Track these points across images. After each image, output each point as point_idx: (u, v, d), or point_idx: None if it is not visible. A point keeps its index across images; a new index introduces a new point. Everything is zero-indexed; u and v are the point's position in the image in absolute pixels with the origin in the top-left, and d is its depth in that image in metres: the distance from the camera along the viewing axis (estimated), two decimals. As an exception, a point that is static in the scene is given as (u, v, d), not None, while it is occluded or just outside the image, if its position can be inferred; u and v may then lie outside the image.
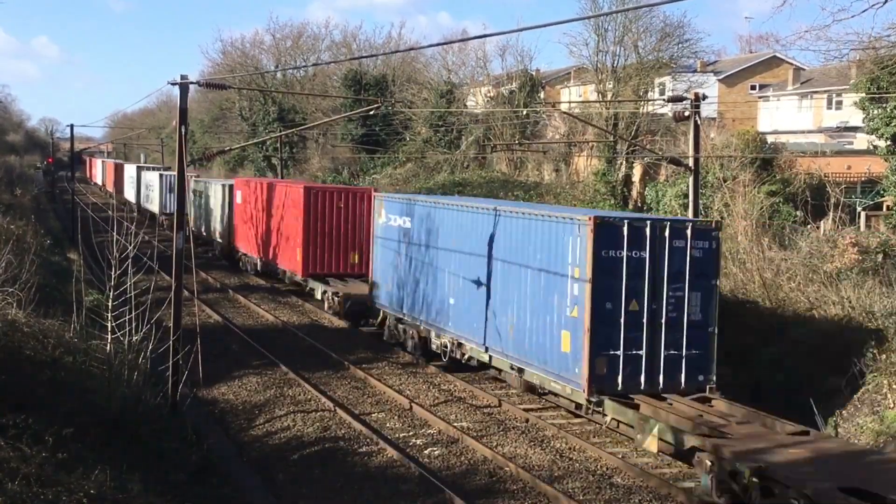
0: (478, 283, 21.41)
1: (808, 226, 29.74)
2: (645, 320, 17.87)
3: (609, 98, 44.88)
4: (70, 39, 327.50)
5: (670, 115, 33.45)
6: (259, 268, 38.90)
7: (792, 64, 62.46)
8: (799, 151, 40.50)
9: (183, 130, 18.80)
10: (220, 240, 44.86)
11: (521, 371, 20.20)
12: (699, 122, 23.37)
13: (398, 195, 28.65)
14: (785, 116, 57.62)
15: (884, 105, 29.69)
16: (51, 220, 57.60)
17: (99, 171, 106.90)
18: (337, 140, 65.80)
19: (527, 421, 19.93)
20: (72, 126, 55.39)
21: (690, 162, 23.62)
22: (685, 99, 25.13)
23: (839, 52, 27.34)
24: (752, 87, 64.17)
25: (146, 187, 63.82)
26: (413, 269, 24.83)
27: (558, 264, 18.47)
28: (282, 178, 55.45)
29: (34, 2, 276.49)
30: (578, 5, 48.40)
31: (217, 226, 45.62)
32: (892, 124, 29.62)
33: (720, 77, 63.75)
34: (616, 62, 46.17)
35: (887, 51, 28.00)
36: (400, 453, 17.57)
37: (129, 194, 72.19)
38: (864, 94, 30.08)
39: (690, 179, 23.80)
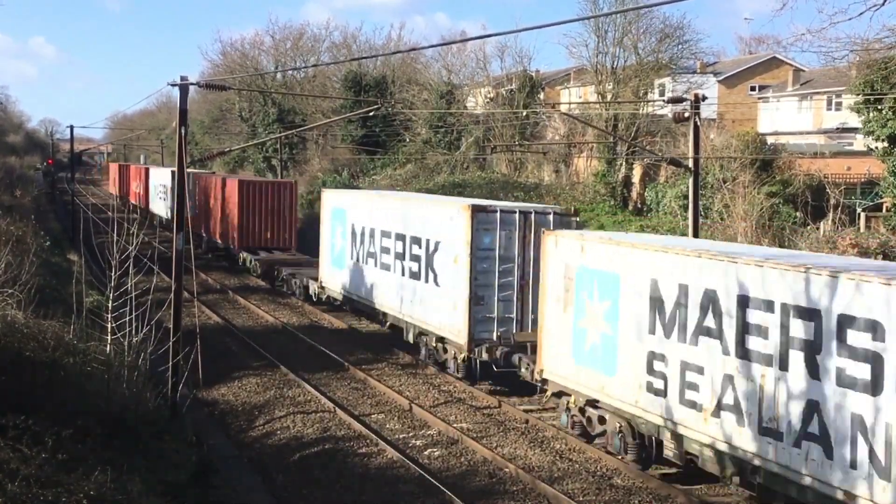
0: None
1: (808, 227, 29.76)
2: None
3: (609, 99, 44.89)
4: (67, 40, 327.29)
5: (670, 116, 33.47)
6: None
7: (792, 65, 62.49)
8: (798, 152, 40.50)
9: (183, 131, 18.82)
10: None
11: None
12: (699, 123, 23.38)
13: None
14: (785, 117, 57.63)
15: (879, 107, 29.71)
16: (51, 221, 57.59)
17: (152, 186, 61.19)
18: (337, 141, 65.80)
19: (526, 422, 19.93)
20: (72, 127, 55.77)
21: (690, 163, 23.62)
22: (685, 100, 25.14)
23: (837, 54, 27.38)
24: (752, 89, 64.18)
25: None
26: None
27: None
28: (281, 178, 55.36)
29: (30, 1, 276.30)
30: (578, 6, 48.46)
31: None
32: (888, 126, 29.64)
33: (720, 78, 63.76)
34: (616, 63, 46.20)
35: (883, 53, 28.03)
36: (400, 454, 17.58)
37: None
38: (860, 97, 30.11)
39: (690, 180, 23.80)
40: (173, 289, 19.24)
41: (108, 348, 18.65)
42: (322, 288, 31.08)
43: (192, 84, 19.53)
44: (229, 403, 21.73)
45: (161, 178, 57.91)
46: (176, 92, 19.10)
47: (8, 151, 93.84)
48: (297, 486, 16.36)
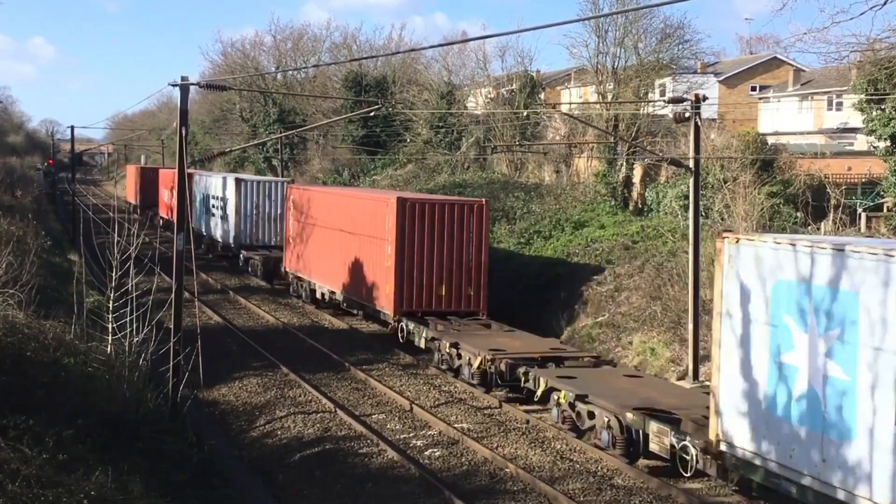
0: None
1: (809, 227, 29.73)
2: None
3: (609, 99, 44.87)
4: (67, 41, 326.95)
5: (671, 116, 33.45)
6: None
7: (792, 65, 62.47)
8: (799, 153, 40.49)
9: (184, 131, 18.82)
10: None
11: None
12: (699, 123, 23.35)
13: None
14: (785, 118, 57.62)
15: (882, 107, 29.71)
16: (52, 222, 57.60)
17: (198, 197, 47.18)
18: (337, 141, 65.81)
19: (527, 422, 19.92)
20: (72, 127, 56.03)
21: (691, 163, 23.60)
22: (685, 100, 25.12)
23: (838, 54, 27.36)
24: (753, 89, 64.17)
25: None
26: None
27: None
28: (281, 176, 55.18)
29: (30, 2, 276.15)
30: (578, 6, 48.40)
31: None
32: (891, 125, 29.65)
33: (720, 78, 63.76)
34: (616, 63, 46.12)
35: (886, 52, 28.02)
36: (400, 454, 17.58)
37: None
38: (862, 96, 30.11)
39: (691, 181, 23.78)
40: (174, 289, 19.24)
41: (108, 349, 18.68)
42: (742, 461, 14.01)
43: (192, 84, 19.53)
44: (230, 403, 21.73)
45: (213, 186, 44.58)
46: (176, 92, 19.09)
47: (9, 152, 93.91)
48: (297, 485, 16.37)
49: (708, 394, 15.36)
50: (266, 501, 15.77)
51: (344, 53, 74.51)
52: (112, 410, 15.25)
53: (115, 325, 18.77)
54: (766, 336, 13.56)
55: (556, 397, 18.77)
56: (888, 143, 30.28)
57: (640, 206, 41.95)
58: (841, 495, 12.18)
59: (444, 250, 25.76)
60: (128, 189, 76.60)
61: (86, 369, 16.81)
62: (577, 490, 15.93)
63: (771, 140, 43.46)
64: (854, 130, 47.72)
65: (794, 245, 13.18)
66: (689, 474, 15.26)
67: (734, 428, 14.11)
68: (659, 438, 15.91)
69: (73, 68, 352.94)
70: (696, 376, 22.05)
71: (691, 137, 23.68)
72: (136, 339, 18.43)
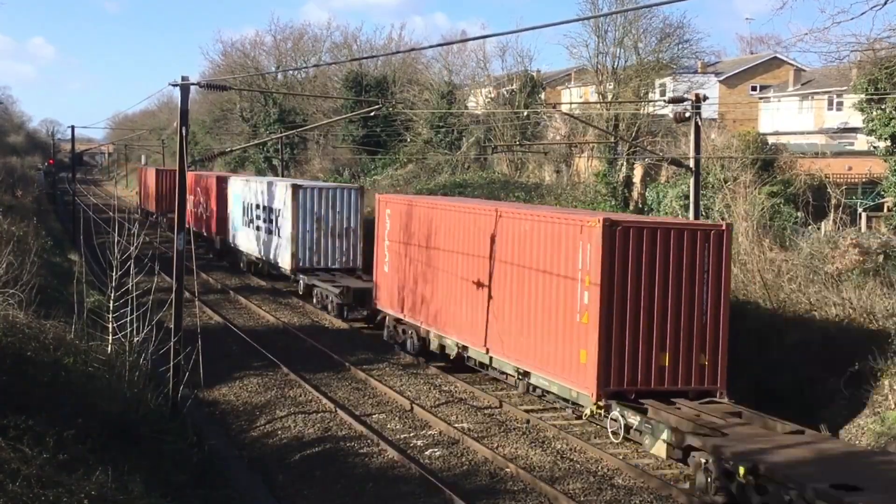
0: None
1: (809, 227, 29.75)
2: None
3: (609, 99, 44.87)
4: (67, 40, 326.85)
5: (671, 116, 33.46)
6: None
7: (793, 65, 62.47)
8: (799, 152, 40.51)
9: (184, 131, 18.83)
10: None
11: None
12: (700, 123, 23.38)
13: None
14: (786, 117, 57.61)
15: (882, 106, 29.73)
16: (52, 221, 57.61)
17: (233, 205, 42.10)
18: (338, 141, 65.82)
19: (527, 422, 19.92)
20: (73, 127, 56.15)
21: (691, 163, 23.62)
22: (686, 100, 25.14)
23: (839, 53, 27.38)
24: (753, 89, 64.17)
25: None
26: None
27: None
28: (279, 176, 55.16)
29: (30, 2, 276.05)
30: (578, 6, 48.43)
31: None
32: (891, 125, 29.67)
33: (721, 78, 63.76)
34: (616, 63, 46.15)
35: (886, 52, 28.04)
36: (401, 454, 17.58)
37: None
38: (863, 96, 30.13)
39: (691, 180, 23.81)
40: (174, 289, 19.25)
41: (109, 348, 18.69)
42: None
43: (193, 84, 19.54)
44: (230, 403, 21.73)
45: (258, 194, 37.99)
46: (177, 92, 19.11)
47: (9, 152, 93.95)
48: (297, 485, 16.37)
49: None
50: (266, 501, 15.77)
51: (344, 53, 74.49)
52: (112, 410, 15.25)
53: (115, 325, 18.78)
54: None
55: None
56: (888, 142, 30.30)
57: (640, 205, 41.95)
58: None
59: (668, 299, 17.79)
60: (140, 194, 70.81)
61: (86, 369, 16.82)
62: (578, 490, 15.93)
63: (771, 140, 43.48)
64: (854, 130, 47.71)
65: None
66: None
67: None
68: None
69: (73, 68, 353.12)
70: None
71: (692, 137, 23.71)
72: (136, 339, 18.44)
